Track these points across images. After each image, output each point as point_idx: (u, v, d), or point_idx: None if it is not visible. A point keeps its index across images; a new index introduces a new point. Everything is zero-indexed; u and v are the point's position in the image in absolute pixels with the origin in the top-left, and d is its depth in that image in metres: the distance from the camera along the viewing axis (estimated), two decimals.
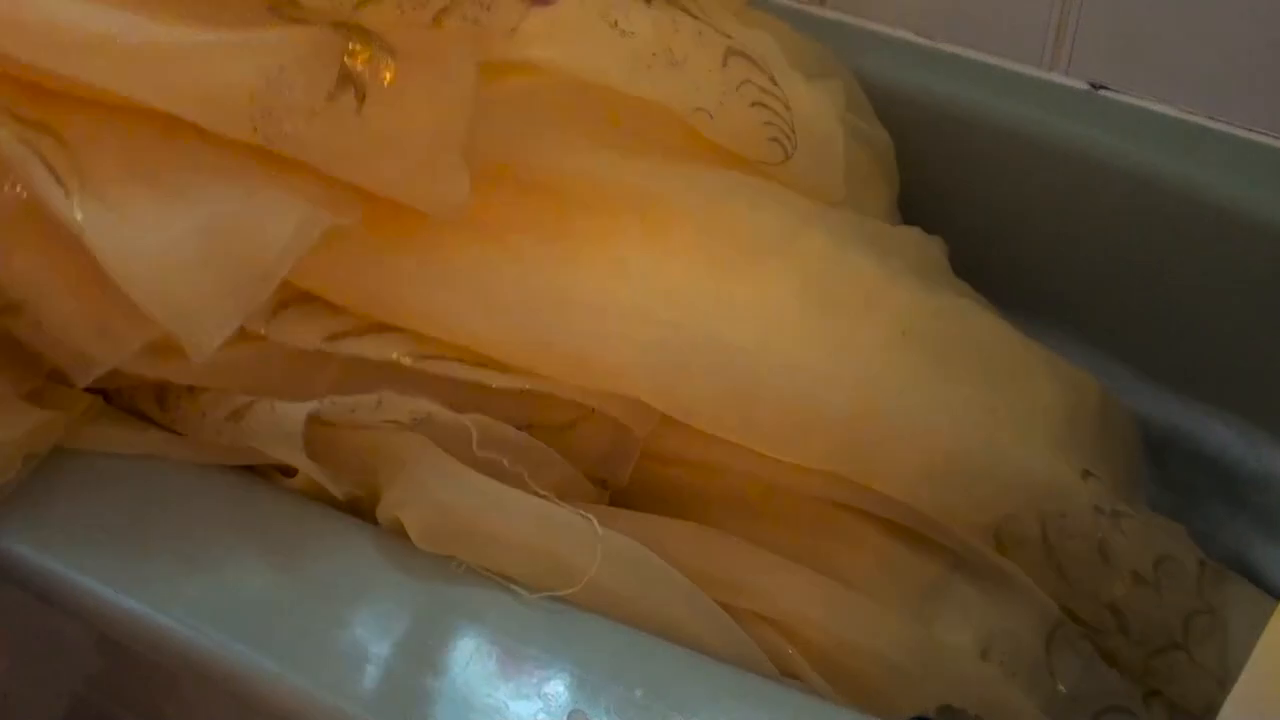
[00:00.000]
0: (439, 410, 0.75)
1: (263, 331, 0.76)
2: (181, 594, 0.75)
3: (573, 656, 0.74)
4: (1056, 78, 1.13)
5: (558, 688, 0.72)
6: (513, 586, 0.72)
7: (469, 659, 0.73)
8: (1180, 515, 1.07)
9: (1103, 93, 1.12)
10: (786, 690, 0.75)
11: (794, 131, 0.87)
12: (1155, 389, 1.13)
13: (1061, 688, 0.81)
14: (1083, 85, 1.12)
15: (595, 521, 0.73)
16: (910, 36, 1.17)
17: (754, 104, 0.85)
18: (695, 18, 0.85)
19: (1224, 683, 0.84)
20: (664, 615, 0.73)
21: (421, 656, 0.73)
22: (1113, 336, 1.15)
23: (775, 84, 0.87)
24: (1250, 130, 1.07)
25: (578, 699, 0.72)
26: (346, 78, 0.71)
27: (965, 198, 1.15)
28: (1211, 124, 1.08)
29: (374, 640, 0.74)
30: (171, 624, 0.74)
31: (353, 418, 0.75)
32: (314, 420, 0.75)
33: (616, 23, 0.81)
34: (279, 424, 0.75)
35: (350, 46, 0.71)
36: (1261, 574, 1.02)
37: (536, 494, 0.75)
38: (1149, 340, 1.13)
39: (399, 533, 0.76)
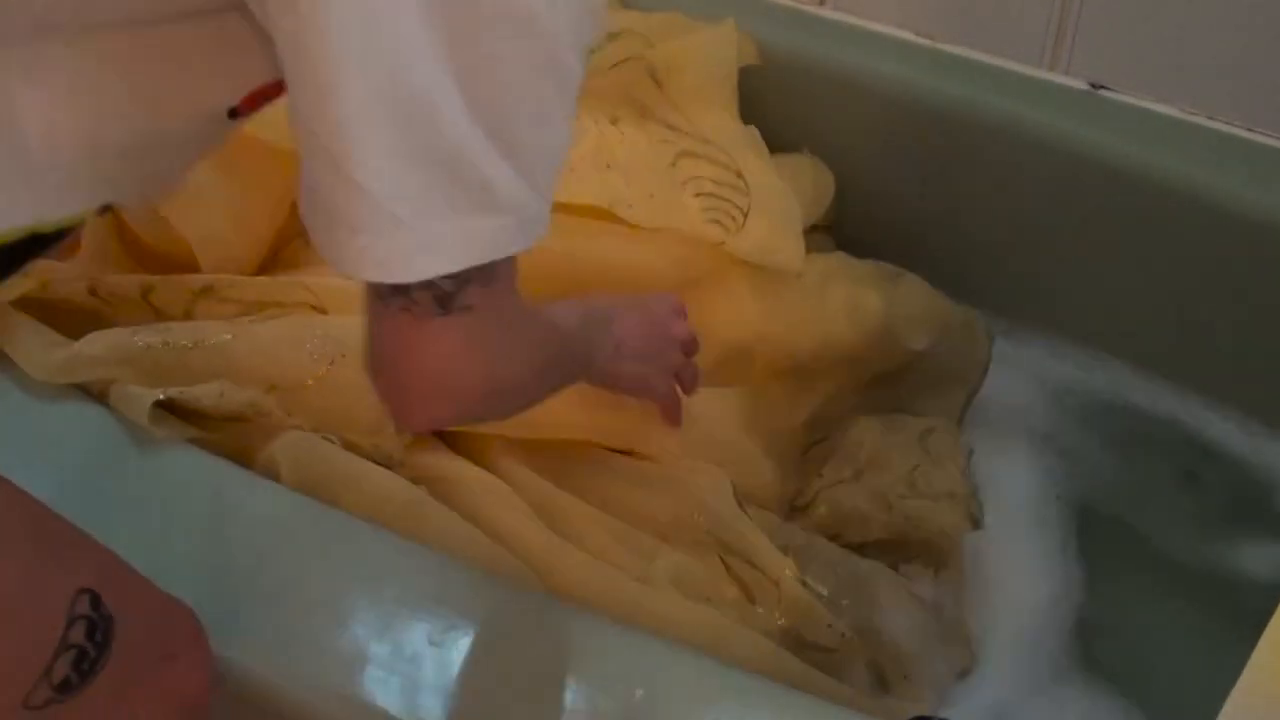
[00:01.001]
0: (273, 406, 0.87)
1: None
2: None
3: (573, 656, 0.74)
4: (1056, 78, 1.13)
5: (558, 688, 0.72)
6: None
7: (469, 659, 0.73)
8: (1179, 507, 1.07)
9: (1103, 93, 1.11)
10: (787, 691, 0.75)
11: (746, 212, 1.01)
12: (1154, 387, 1.13)
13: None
14: (1083, 85, 1.12)
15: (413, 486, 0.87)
16: (910, 36, 1.17)
17: (699, 194, 1.01)
18: (671, 127, 1.05)
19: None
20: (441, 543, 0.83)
21: (421, 656, 0.73)
22: (1111, 335, 1.15)
23: (739, 175, 1.03)
24: (1250, 130, 1.07)
25: (578, 699, 0.72)
26: None
27: (965, 198, 1.15)
28: (1211, 124, 1.08)
29: (374, 640, 0.74)
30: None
31: (199, 405, 0.86)
32: None
33: None
34: (130, 406, 0.85)
35: None
36: (1259, 564, 1.03)
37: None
38: (1148, 339, 1.13)
39: (274, 476, 0.85)
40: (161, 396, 0.84)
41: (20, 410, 0.87)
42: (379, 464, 0.87)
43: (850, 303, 1.06)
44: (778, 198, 1.04)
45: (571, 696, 0.72)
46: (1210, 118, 1.09)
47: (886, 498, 0.99)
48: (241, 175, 0.96)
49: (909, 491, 1.00)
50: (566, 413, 0.93)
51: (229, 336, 0.89)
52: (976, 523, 1.00)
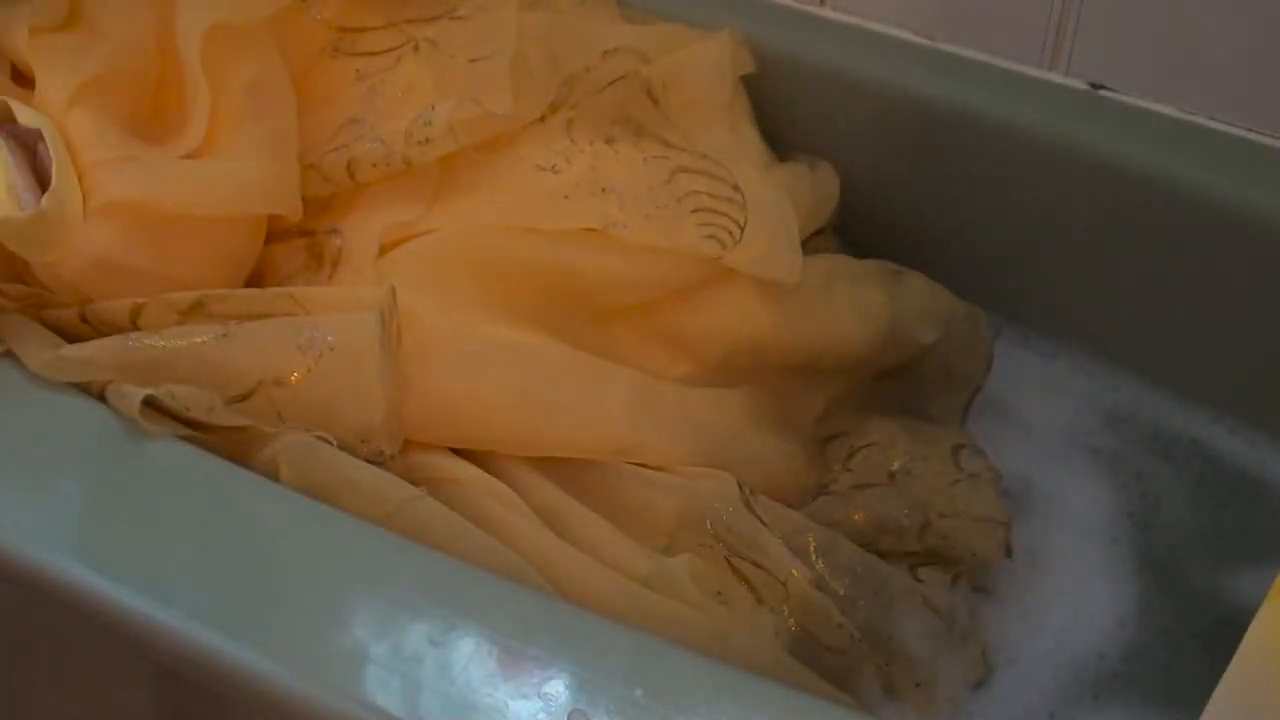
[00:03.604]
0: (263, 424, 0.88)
1: None
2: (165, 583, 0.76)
3: (573, 656, 0.74)
4: (1056, 78, 1.13)
5: (558, 688, 0.72)
6: None
7: (469, 659, 0.73)
8: (1182, 518, 1.07)
9: (1103, 93, 1.12)
10: (786, 690, 0.75)
11: (743, 226, 1.01)
12: (1153, 389, 1.13)
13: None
14: (1083, 85, 1.12)
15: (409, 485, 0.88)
16: (910, 36, 1.17)
17: (695, 210, 1.00)
18: (667, 144, 1.05)
19: None
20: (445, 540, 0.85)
21: (421, 656, 0.74)
22: (1110, 336, 1.15)
23: (735, 188, 1.02)
24: (1250, 130, 1.07)
25: (578, 699, 0.72)
26: None
27: (964, 198, 1.15)
28: (1211, 124, 1.08)
29: (373, 639, 0.74)
30: (166, 618, 0.75)
31: (189, 415, 0.86)
32: None
33: (554, 167, 1.00)
34: (124, 404, 0.86)
35: None
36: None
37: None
38: (1147, 340, 1.13)
39: (273, 477, 0.85)
40: (151, 393, 0.85)
41: (21, 410, 0.87)
42: (375, 465, 0.88)
43: (854, 300, 1.07)
44: (775, 210, 1.04)
45: (572, 696, 0.72)
46: (1211, 118, 1.09)
47: (926, 514, 1.00)
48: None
49: (948, 509, 1.00)
50: (574, 432, 0.94)
51: (221, 334, 0.89)
52: (1009, 552, 1.01)
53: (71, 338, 0.92)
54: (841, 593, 0.92)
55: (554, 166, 1.00)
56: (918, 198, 1.17)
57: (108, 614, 0.76)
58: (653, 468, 0.95)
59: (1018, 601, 1.02)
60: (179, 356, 0.88)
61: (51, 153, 0.93)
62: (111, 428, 0.85)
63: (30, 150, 0.95)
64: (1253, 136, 1.07)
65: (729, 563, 0.91)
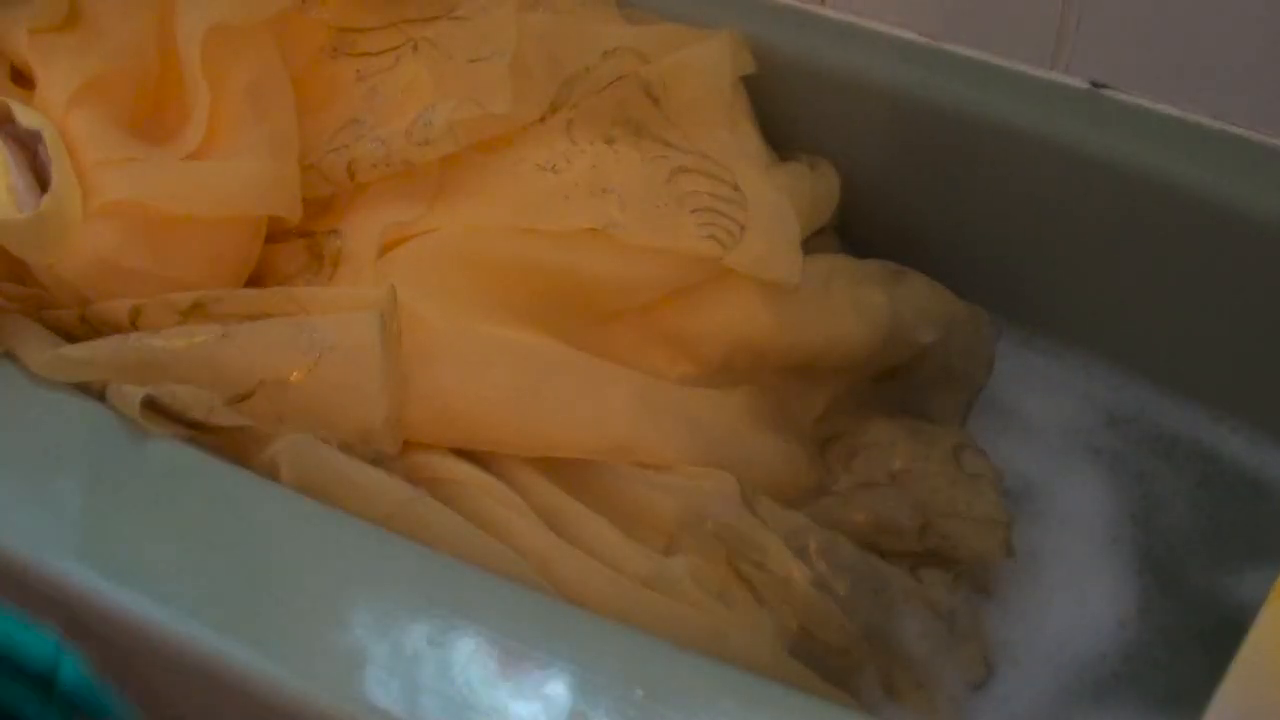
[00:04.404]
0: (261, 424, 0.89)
1: None
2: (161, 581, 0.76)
3: (573, 656, 0.74)
4: (1057, 77, 1.13)
5: (558, 688, 0.72)
6: None
7: (469, 659, 0.73)
8: (1183, 518, 1.07)
9: (1103, 92, 1.12)
10: (786, 691, 0.75)
11: (744, 226, 1.01)
12: (1154, 389, 1.13)
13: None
14: (1083, 85, 1.12)
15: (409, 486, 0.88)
16: (910, 36, 1.17)
17: (695, 210, 1.00)
18: (667, 144, 1.05)
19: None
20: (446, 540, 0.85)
21: (421, 656, 0.74)
22: (1112, 336, 1.15)
23: (736, 188, 1.02)
24: (1250, 130, 1.07)
25: (578, 699, 0.72)
26: None
27: (967, 197, 1.15)
28: (1211, 124, 1.08)
29: (374, 640, 0.74)
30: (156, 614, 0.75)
31: (189, 415, 0.86)
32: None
33: (554, 167, 1.00)
34: (124, 404, 0.86)
35: None
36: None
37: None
38: (1149, 340, 1.13)
39: (273, 478, 0.86)
40: (151, 393, 0.85)
41: (21, 410, 0.87)
42: (375, 465, 0.88)
43: (855, 300, 1.07)
44: (776, 210, 1.04)
45: (572, 696, 0.72)
46: (1213, 117, 1.09)
47: (927, 514, 1.00)
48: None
49: (949, 509, 1.01)
50: (574, 432, 0.94)
51: (221, 334, 0.89)
52: (1011, 551, 1.01)
53: (71, 338, 0.93)
54: (842, 593, 0.92)
55: (554, 167, 1.01)
56: (918, 198, 1.17)
57: (107, 614, 0.76)
58: (653, 468, 0.95)
59: (1018, 601, 1.02)
60: (179, 356, 0.89)
61: (51, 154, 0.93)
62: (111, 428, 0.85)
63: (30, 151, 0.95)
64: (1255, 136, 1.07)
65: (729, 563, 0.91)
